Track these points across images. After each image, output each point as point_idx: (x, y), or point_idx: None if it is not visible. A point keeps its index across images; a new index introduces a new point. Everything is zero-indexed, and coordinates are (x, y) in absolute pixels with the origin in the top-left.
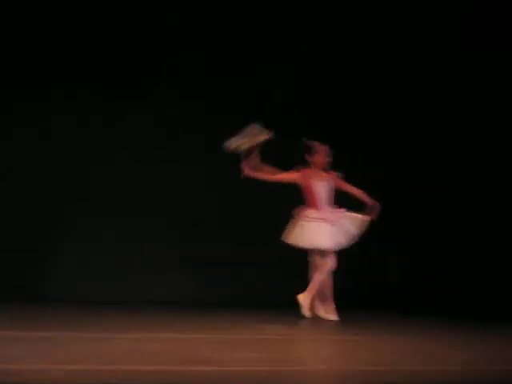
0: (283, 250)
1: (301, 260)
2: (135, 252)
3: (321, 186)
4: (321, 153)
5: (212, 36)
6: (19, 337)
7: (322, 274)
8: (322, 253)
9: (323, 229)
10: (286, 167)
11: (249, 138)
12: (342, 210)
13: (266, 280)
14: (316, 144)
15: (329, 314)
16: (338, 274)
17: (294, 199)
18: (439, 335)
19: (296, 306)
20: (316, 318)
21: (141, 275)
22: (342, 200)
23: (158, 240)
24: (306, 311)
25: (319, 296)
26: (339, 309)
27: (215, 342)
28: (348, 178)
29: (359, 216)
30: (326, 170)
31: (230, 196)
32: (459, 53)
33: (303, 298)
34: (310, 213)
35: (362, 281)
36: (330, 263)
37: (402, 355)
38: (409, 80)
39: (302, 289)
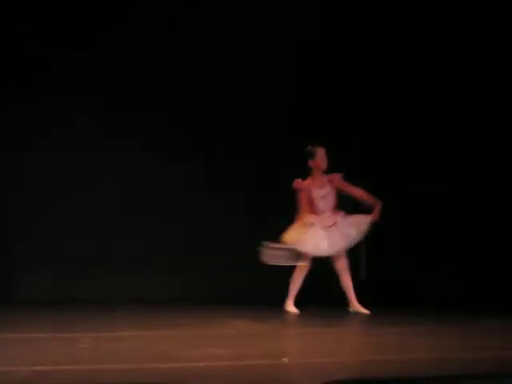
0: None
1: None
2: (105, 251)
3: (320, 192)
4: (320, 155)
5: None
6: None
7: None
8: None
9: (321, 235)
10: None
11: (286, 259)
12: (341, 213)
13: (240, 276)
14: (315, 148)
15: (359, 308)
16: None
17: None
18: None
19: (268, 301)
20: (285, 314)
21: (110, 275)
22: (345, 199)
23: (128, 239)
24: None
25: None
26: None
27: (181, 339)
28: (347, 179)
29: (361, 218)
30: (326, 173)
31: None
32: (458, 53)
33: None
34: (310, 219)
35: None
36: (341, 264)
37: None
38: (408, 80)
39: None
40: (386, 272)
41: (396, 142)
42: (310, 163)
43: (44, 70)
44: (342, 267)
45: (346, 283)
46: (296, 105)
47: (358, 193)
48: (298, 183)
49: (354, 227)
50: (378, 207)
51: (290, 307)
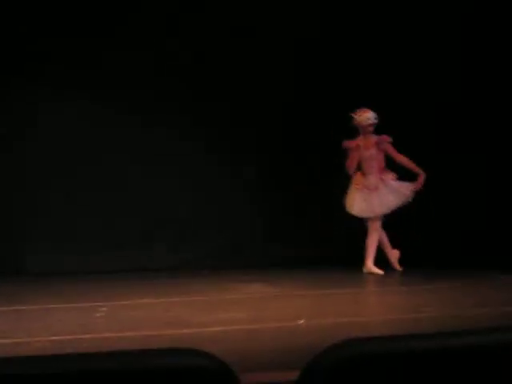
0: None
1: (285, 222)
2: (116, 223)
3: (365, 153)
4: (365, 117)
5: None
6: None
7: (370, 236)
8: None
9: (362, 197)
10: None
11: None
12: (389, 176)
13: (251, 242)
14: (360, 110)
15: (371, 268)
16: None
17: None
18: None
19: (281, 265)
20: (296, 277)
21: (123, 246)
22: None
23: (140, 210)
24: (377, 271)
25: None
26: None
27: (195, 305)
28: None
29: (404, 185)
30: (372, 135)
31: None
32: (458, 53)
33: (368, 267)
34: (357, 180)
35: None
36: (373, 226)
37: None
38: (408, 79)
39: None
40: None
41: (396, 141)
42: (358, 125)
43: (42, 68)
44: (373, 228)
45: (368, 243)
46: (296, 105)
47: (402, 160)
48: (346, 143)
49: (395, 194)
50: (421, 177)
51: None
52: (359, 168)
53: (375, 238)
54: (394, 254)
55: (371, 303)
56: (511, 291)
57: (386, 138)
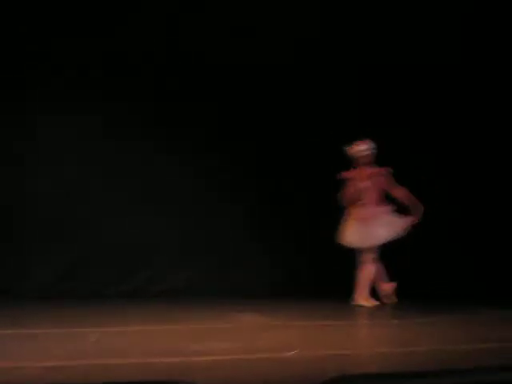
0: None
1: (277, 252)
2: (106, 247)
3: (359, 185)
4: (362, 149)
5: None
6: None
7: (361, 269)
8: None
9: (355, 227)
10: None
11: None
12: (385, 208)
13: (246, 270)
14: (359, 141)
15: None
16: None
17: None
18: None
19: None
20: (289, 307)
21: (110, 269)
22: None
23: (133, 234)
24: (366, 303)
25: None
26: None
27: (187, 333)
28: None
29: (398, 219)
30: (368, 166)
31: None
32: (458, 53)
33: (356, 299)
34: (352, 211)
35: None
36: (365, 258)
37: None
38: (408, 78)
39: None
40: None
41: (396, 140)
42: (356, 157)
43: (39, 67)
44: (365, 260)
45: (359, 276)
46: (296, 105)
47: (398, 193)
48: (343, 174)
49: (386, 228)
50: (419, 211)
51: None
52: (355, 199)
53: (368, 270)
54: (386, 288)
55: (362, 336)
56: (503, 327)
57: (382, 171)
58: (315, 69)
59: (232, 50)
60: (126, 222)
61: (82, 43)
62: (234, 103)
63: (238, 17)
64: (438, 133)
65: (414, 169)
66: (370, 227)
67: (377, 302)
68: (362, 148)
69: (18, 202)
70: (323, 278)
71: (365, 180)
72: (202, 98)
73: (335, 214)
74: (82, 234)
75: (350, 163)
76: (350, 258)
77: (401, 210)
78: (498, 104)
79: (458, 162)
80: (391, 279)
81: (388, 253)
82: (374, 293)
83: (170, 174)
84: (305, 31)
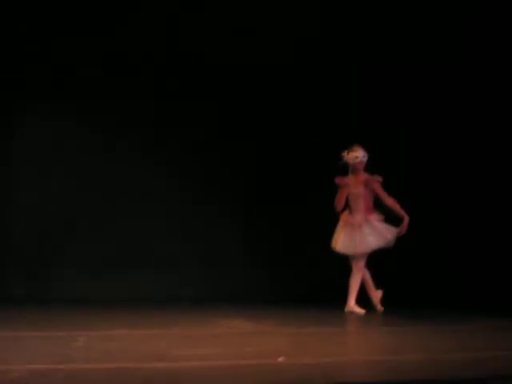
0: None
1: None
2: (97, 251)
3: (352, 191)
4: (356, 155)
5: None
6: None
7: (353, 275)
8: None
9: (345, 234)
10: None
11: None
12: (374, 216)
13: (232, 277)
14: (353, 147)
15: (353, 308)
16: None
17: None
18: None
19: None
20: (280, 314)
21: (102, 274)
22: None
23: (120, 238)
24: (358, 310)
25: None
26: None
27: (174, 338)
28: None
29: (387, 228)
30: (362, 173)
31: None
32: (458, 53)
33: (350, 306)
34: (344, 217)
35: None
36: (357, 265)
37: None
38: (408, 79)
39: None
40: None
41: (396, 143)
42: (349, 163)
43: (36, 67)
44: (357, 267)
45: (351, 282)
46: (296, 105)
47: (388, 202)
48: (338, 179)
49: (375, 236)
50: (405, 222)
51: (355, 307)
52: (348, 205)
53: (358, 277)
54: (376, 295)
55: (351, 343)
56: (491, 336)
57: (376, 178)
58: (315, 69)
59: (232, 50)
60: (114, 225)
61: (81, 43)
62: (233, 103)
63: (237, 17)
64: (431, 142)
65: (408, 174)
66: (361, 234)
67: (364, 311)
68: (357, 154)
69: None
70: (314, 284)
71: (358, 186)
72: (203, 98)
73: (328, 219)
74: (68, 234)
75: (345, 168)
76: (342, 264)
77: (389, 220)
78: (494, 109)
79: (451, 166)
80: (380, 287)
81: (379, 260)
82: (365, 301)
83: (159, 174)
84: (305, 31)
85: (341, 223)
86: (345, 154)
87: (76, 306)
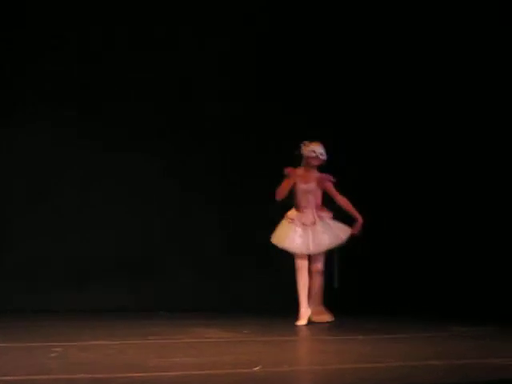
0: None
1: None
2: (73, 260)
3: (304, 187)
4: (312, 150)
5: None
6: None
7: (312, 282)
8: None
9: (296, 232)
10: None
11: None
12: (326, 213)
13: (213, 284)
14: (310, 142)
15: (320, 315)
16: None
17: None
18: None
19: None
20: (254, 322)
21: (75, 283)
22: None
23: (100, 246)
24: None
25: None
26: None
27: (152, 348)
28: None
29: (341, 227)
30: (314, 170)
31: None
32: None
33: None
34: (292, 214)
35: None
36: (314, 266)
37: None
38: (408, 79)
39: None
40: (360, 279)
41: (392, 143)
42: (303, 156)
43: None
44: (313, 269)
45: (312, 286)
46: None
47: (341, 201)
48: (288, 169)
49: (330, 235)
50: (359, 222)
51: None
52: (292, 201)
53: (318, 281)
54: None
55: (327, 351)
56: (468, 344)
57: (329, 177)
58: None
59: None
60: (96, 233)
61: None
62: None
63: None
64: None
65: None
66: (315, 232)
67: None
68: (315, 149)
69: None
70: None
71: (309, 182)
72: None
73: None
74: (45, 242)
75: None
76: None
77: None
78: (494, 109)
79: (439, 169)
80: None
81: (355, 266)
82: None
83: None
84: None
85: (287, 219)
86: (303, 145)
87: (52, 316)
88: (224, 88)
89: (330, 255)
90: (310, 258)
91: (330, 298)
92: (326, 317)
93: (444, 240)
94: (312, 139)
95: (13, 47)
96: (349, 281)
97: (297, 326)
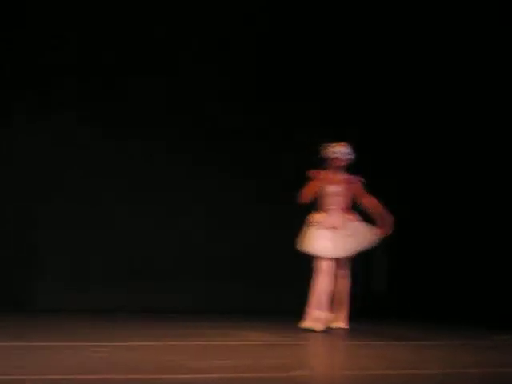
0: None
1: (287, 267)
2: (110, 260)
3: (332, 189)
4: (338, 152)
5: None
6: None
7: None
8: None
9: (326, 236)
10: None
11: None
12: (353, 216)
13: (254, 288)
14: (335, 144)
15: (338, 322)
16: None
17: None
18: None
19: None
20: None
21: (117, 283)
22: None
23: (142, 248)
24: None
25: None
26: None
27: (193, 350)
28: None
29: (369, 230)
30: (343, 172)
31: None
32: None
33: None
34: (317, 218)
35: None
36: (340, 270)
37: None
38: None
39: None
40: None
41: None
42: (328, 158)
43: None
44: (339, 274)
45: (337, 290)
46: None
47: (370, 204)
48: (313, 172)
49: (356, 238)
50: (389, 223)
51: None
52: (319, 205)
53: (345, 286)
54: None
55: (367, 356)
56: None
57: (356, 178)
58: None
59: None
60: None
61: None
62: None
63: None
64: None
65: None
66: (344, 236)
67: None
68: (337, 150)
69: None
70: None
71: (337, 184)
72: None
73: None
74: (86, 244)
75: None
76: None
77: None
78: (494, 109)
79: (450, 167)
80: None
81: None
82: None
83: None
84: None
85: (314, 224)
86: (325, 147)
87: (96, 317)
88: (224, 88)
89: (378, 258)
90: (336, 262)
91: (374, 301)
92: (342, 323)
93: (488, 248)
94: (312, 139)
95: (13, 47)
96: (390, 286)
97: (312, 329)
